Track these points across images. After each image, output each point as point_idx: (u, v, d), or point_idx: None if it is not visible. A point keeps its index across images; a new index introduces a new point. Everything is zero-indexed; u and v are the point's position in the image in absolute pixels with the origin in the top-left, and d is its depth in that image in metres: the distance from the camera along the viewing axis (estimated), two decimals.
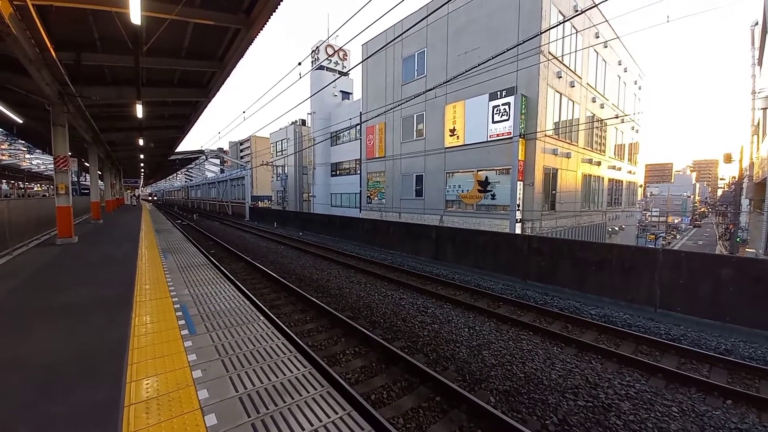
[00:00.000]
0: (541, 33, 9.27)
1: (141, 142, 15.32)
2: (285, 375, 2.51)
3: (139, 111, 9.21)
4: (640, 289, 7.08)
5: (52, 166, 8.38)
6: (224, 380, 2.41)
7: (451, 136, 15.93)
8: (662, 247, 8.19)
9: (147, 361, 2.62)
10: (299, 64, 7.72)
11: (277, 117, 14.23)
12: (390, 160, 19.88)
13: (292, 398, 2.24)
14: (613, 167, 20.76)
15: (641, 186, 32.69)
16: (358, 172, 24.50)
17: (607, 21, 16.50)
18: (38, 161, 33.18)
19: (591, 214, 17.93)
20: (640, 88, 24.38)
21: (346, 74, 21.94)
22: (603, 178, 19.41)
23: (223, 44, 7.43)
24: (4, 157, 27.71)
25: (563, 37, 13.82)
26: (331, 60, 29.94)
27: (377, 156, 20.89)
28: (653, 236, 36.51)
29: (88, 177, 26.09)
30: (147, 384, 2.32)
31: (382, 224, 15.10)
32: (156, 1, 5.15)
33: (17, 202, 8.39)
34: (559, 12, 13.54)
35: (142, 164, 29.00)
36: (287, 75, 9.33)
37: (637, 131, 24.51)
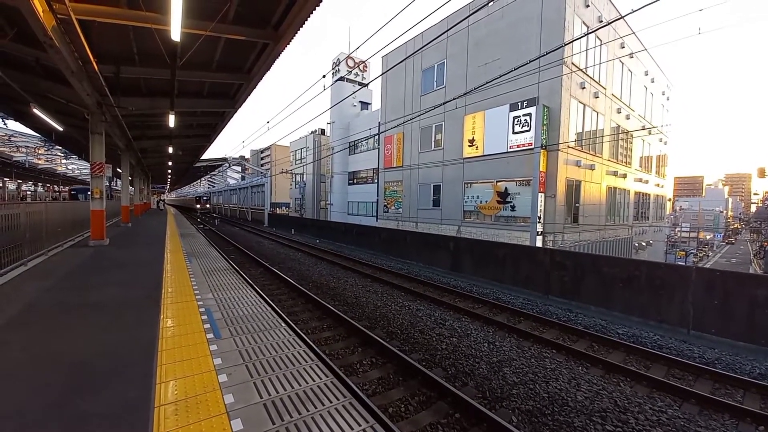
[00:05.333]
0: (565, 44, 9.17)
1: (170, 149, 16.02)
2: (307, 383, 2.51)
3: (172, 121, 9.67)
4: (672, 309, 6.73)
5: (86, 171, 8.86)
6: (249, 385, 2.44)
7: (470, 146, 15.85)
8: (695, 265, 7.78)
9: (175, 363, 2.69)
10: (323, 77, 7.94)
11: (298, 127, 14.60)
12: (407, 169, 19.94)
13: (315, 407, 2.23)
14: (640, 180, 20.04)
15: (670, 200, 31.35)
16: (375, 181, 24.68)
17: (634, 33, 16.18)
18: (73, 166, 35.19)
19: (616, 228, 17.30)
20: (668, 99, 23.62)
21: (366, 86, 22.35)
22: (629, 191, 18.75)
23: (251, 58, 7.73)
24: (41, 162, 29.53)
25: (587, 49, 13.62)
26: (351, 71, 30.62)
27: (395, 165, 21.01)
28: (683, 252, 34.80)
29: (118, 182, 27.46)
30: (175, 386, 2.38)
31: (398, 234, 15.07)
32: (193, 18, 5.44)
33: (54, 204, 8.86)
34: (583, 23, 13.40)
35: (169, 171, 30.25)
36: (311, 87, 9.61)
37: (665, 143, 23.65)
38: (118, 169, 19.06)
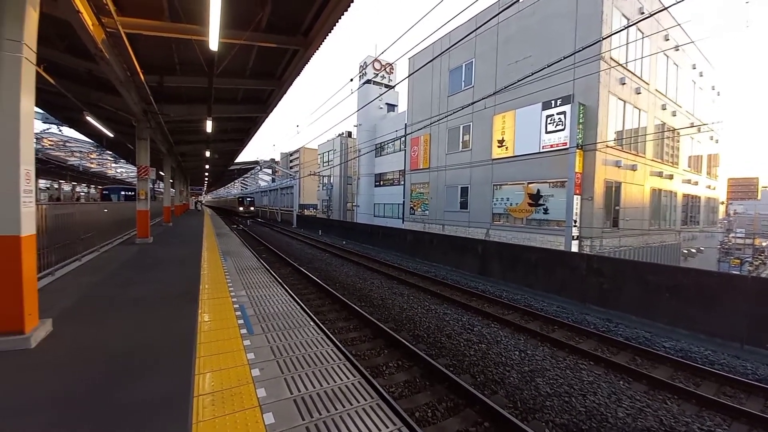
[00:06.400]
0: (603, 39, 8.67)
1: (207, 153, 16.91)
2: (336, 382, 2.53)
3: (209, 126, 10.20)
4: (724, 322, 6.15)
5: (133, 174, 9.56)
6: (280, 381, 2.50)
7: (499, 147, 15.43)
8: (750, 274, 7.07)
9: (211, 356, 2.81)
10: (351, 80, 8.06)
11: (326, 130, 14.89)
12: (434, 171, 19.74)
13: (343, 406, 2.24)
14: (689, 181, 18.55)
15: (723, 203, 28.79)
16: (402, 182, 24.64)
17: (679, 25, 15.06)
18: (122, 169, 38.05)
19: (662, 233, 16.10)
20: (719, 94, 21.75)
21: (392, 88, 22.38)
22: (676, 193, 17.42)
23: (281, 64, 7.99)
24: (93, 165, 32.16)
25: (627, 43, 12.85)
26: (378, 74, 30.87)
27: (421, 167, 20.88)
28: (738, 260, 31.72)
29: (160, 184, 29.36)
30: (212, 377, 2.48)
31: (425, 236, 14.93)
32: (229, 29, 5.71)
33: (105, 205, 9.58)
34: (623, 15, 12.66)
35: (206, 173, 31.95)
36: (338, 92, 9.78)
37: (716, 141, 21.77)
38: (161, 172, 20.39)
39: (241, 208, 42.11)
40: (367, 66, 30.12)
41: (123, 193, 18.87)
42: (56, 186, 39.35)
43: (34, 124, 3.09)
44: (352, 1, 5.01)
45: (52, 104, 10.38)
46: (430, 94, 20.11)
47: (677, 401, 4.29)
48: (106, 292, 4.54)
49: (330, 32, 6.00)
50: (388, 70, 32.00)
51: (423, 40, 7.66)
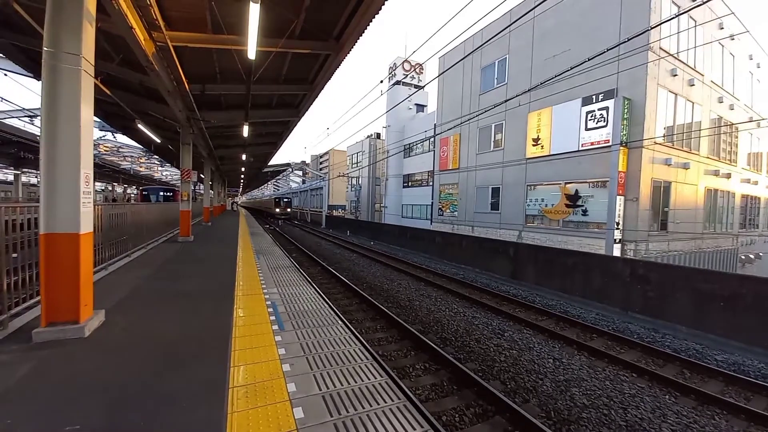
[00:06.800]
0: (651, 28, 8.05)
1: (243, 157, 17.75)
2: (363, 381, 2.56)
3: (245, 131, 10.70)
4: None
5: (177, 176, 10.24)
6: (309, 377, 2.57)
7: (534, 145, 14.84)
8: None
9: (246, 350, 2.94)
10: (381, 81, 8.10)
11: (355, 132, 15.10)
12: (464, 171, 19.36)
13: (371, 406, 2.26)
14: (748, 180, 16.80)
15: None
16: (430, 183, 24.40)
17: (733, 13, 13.68)
18: (167, 173, 40.86)
19: (716, 237, 14.70)
20: None
21: (421, 88, 22.22)
22: (734, 193, 15.83)
23: (314, 69, 8.21)
24: (142, 169, 34.81)
25: (679, 32, 11.88)
26: (407, 75, 30.81)
27: (450, 168, 20.56)
28: None
29: (200, 186, 31.20)
30: (246, 370, 2.60)
31: (454, 237, 14.69)
32: (265, 37, 5.95)
33: (152, 206, 10.28)
34: (673, 2, 11.72)
35: (242, 176, 33.52)
36: (368, 94, 9.88)
37: None
38: (201, 175, 21.68)
39: (277, 210, 40.15)
40: (396, 67, 30.17)
41: (162, 193, 19.23)
42: (110, 188, 42.97)
43: (93, 132, 3.41)
44: (383, 5, 5.04)
45: (108, 113, 11.38)
46: (460, 92, 19.76)
47: (726, 416, 3.92)
48: (152, 286, 4.90)
49: (361, 36, 6.08)
50: (417, 70, 31.87)
51: (454, 39, 7.55)
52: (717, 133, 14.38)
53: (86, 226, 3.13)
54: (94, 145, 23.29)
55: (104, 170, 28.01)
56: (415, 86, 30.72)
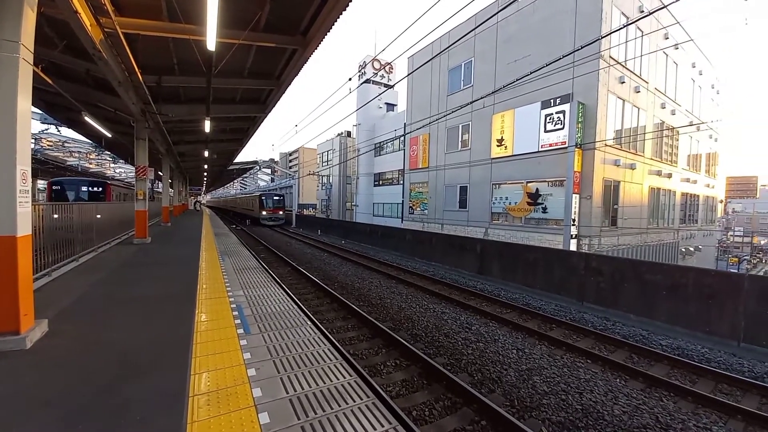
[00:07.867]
0: (602, 37, 8.68)
1: (206, 153, 16.90)
2: (332, 381, 2.54)
3: (207, 126, 10.19)
4: (721, 320, 6.19)
5: (131, 174, 9.55)
6: (276, 381, 2.50)
7: (498, 146, 15.44)
8: (748, 272, 7.11)
9: (208, 356, 2.81)
10: (349, 79, 8.04)
11: (325, 129, 14.90)
12: (433, 170, 19.75)
13: (339, 406, 2.25)
14: (687, 180, 18.59)
15: (721, 201, 28.83)
16: (401, 182, 24.65)
17: (678, 23, 15.05)
18: (120, 170, 38.00)
19: (660, 231, 16.13)
20: (718, 93, 21.77)
21: (391, 87, 22.36)
22: (675, 191, 17.44)
23: (280, 64, 7.99)
24: (92, 166, 32.11)
25: (627, 41, 12.85)
26: (377, 74, 30.84)
27: (420, 167, 20.89)
28: (736, 259, 31.80)
29: (159, 184, 29.34)
30: (208, 377, 2.49)
31: (424, 235, 14.95)
32: (227, 28, 5.70)
33: (103, 205, 9.53)
34: (622, 14, 12.66)
35: (205, 173, 31.93)
36: (337, 91, 9.78)
37: (715, 140, 21.80)
38: (160, 173, 20.37)
39: (264, 212, 27.65)
40: (366, 65, 30.09)
41: (85, 188, 13.36)
42: None
43: (31, 125, 3.10)
44: (351, 1, 5.00)
45: (50, 104, 10.36)
46: (429, 93, 20.11)
47: (673, 399, 4.31)
48: (103, 292, 4.54)
49: (329, 32, 6.00)
50: (387, 69, 31.98)
51: (422, 39, 7.66)
52: (660, 136, 15.75)
53: (24, 228, 2.85)
54: (36, 139, 21.13)
55: (47, 167, 25.53)
56: (385, 85, 30.83)
